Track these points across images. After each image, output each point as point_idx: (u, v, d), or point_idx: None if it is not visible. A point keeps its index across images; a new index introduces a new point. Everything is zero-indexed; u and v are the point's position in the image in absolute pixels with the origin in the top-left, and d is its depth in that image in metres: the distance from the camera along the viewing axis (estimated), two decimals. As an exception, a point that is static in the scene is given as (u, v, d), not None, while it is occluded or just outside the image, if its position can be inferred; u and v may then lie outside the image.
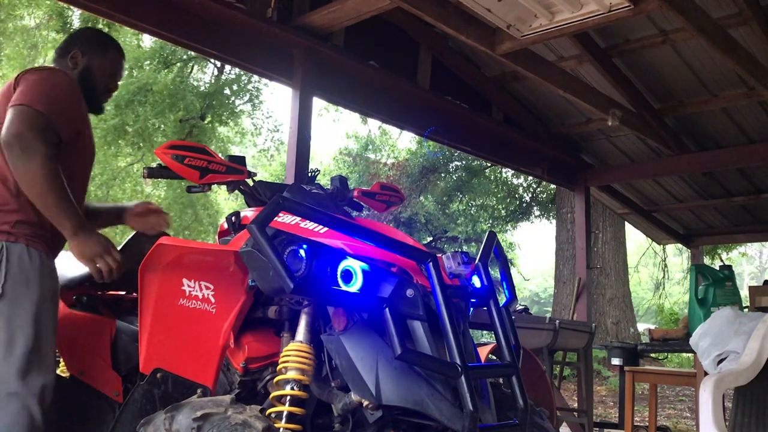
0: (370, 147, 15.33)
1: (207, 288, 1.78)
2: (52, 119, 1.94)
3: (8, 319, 1.86)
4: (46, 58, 12.00)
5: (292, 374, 1.62)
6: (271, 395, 1.66)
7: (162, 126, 11.47)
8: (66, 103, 2.03)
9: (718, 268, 5.55)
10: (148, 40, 12.34)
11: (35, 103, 1.93)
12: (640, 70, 5.14)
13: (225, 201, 15.96)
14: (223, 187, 2.05)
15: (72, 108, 2.06)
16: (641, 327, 11.48)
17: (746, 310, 4.98)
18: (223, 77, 13.13)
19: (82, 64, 2.27)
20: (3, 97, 2.03)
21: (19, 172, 1.90)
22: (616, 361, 5.39)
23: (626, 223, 9.48)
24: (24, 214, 1.96)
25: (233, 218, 1.97)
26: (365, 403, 1.56)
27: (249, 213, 1.94)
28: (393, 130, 15.26)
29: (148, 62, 11.85)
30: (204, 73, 13.51)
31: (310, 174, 2.37)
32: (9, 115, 1.92)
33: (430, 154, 12.79)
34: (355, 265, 1.61)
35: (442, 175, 13.38)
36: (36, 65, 2.24)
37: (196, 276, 1.79)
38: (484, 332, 2.38)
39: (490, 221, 14.11)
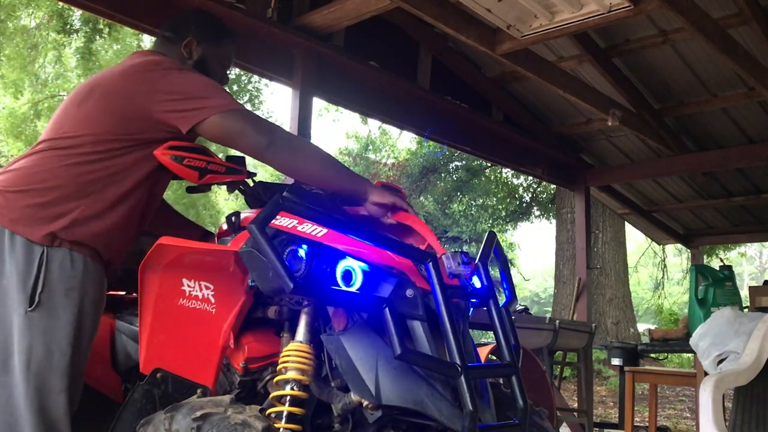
0: (370, 147, 15.32)
1: (207, 288, 1.78)
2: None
3: (44, 332, 1.74)
4: (46, 59, 12.01)
5: (292, 374, 1.62)
6: (271, 395, 1.66)
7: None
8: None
9: (717, 269, 5.56)
10: (148, 41, 12.34)
11: (236, 104, 1.85)
12: (640, 70, 5.14)
13: (225, 201, 15.96)
14: (223, 188, 2.05)
15: None
16: (641, 327, 11.49)
17: (746, 310, 4.98)
18: (223, 77, 13.13)
19: (197, 55, 2.05)
20: (121, 89, 1.86)
21: (295, 168, 1.84)
22: (616, 362, 5.40)
23: (626, 223, 9.48)
24: (69, 216, 1.81)
25: (233, 218, 1.96)
26: (365, 403, 1.56)
27: (249, 214, 1.94)
28: (393, 130, 15.25)
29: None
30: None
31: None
32: (224, 124, 1.80)
33: (430, 153, 12.79)
34: (355, 265, 1.61)
35: (442, 175, 13.38)
36: (154, 59, 1.96)
37: (196, 276, 1.78)
38: (484, 332, 2.38)
39: (490, 221, 14.11)
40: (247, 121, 1.82)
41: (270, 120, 1.86)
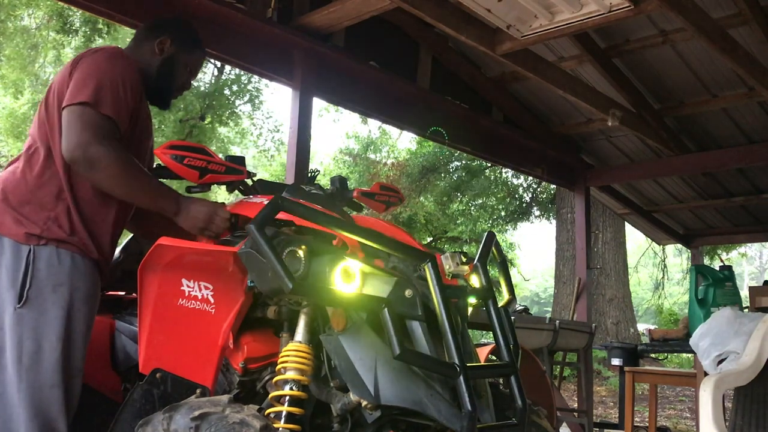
0: (370, 147, 15.31)
1: (206, 288, 1.78)
2: (116, 120, 1.87)
3: (34, 327, 1.79)
4: (46, 59, 12.01)
5: (291, 374, 1.62)
6: (270, 395, 1.66)
7: (162, 126, 11.46)
8: (125, 101, 1.91)
9: (718, 269, 5.55)
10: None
11: (98, 103, 1.84)
12: (640, 70, 5.13)
13: (225, 201, 15.92)
14: (223, 188, 2.06)
15: (129, 104, 1.94)
16: (641, 327, 11.48)
17: (746, 310, 4.98)
18: (223, 77, 13.13)
19: (168, 53, 2.12)
20: (61, 78, 1.95)
21: (96, 183, 1.88)
22: (616, 362, 5.39)
23: (626, 223, 9.47)
24: (54, 215, 1.88)
25: (232, 219, 1.97)
26: (364, 403, 1.56)
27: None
28: (393, 130, 15.26)
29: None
30: (204, 73, 13.50)
31: (309, 174, 2.38)
32: (67, 116, 1.83)
33: (435, 150, 12.74)
34: (354, 265, 1.61)
35: (442, 175, 13.35)
36: (94, 47, 2.13)
37: (196, 276, 1.79)
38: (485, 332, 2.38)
39: (490, 221, 14.09)
40: (73, 124, 1.82)
41: (107, 145, 1.82)
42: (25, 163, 1.95)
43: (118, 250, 2.26)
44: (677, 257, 17.62)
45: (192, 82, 2.26)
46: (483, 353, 2.05)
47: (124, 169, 1.84)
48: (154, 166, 1.94)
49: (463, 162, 13.16)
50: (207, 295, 1.77)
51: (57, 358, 1.79)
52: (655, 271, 14.54)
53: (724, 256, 12.90)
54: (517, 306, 5.38)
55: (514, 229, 15.55)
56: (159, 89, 2.13)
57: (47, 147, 1.93)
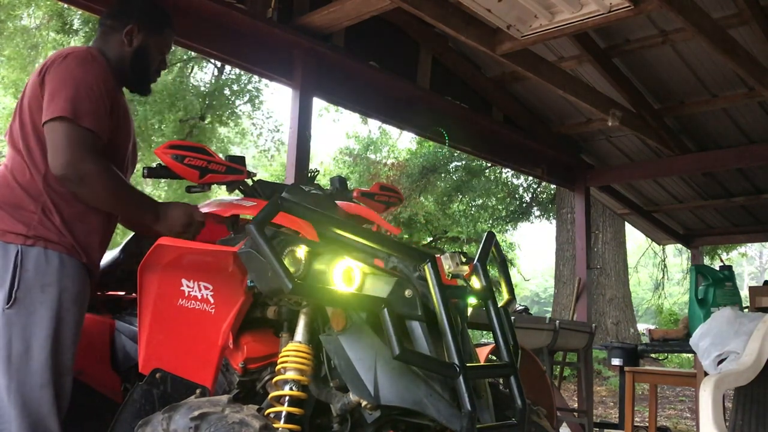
0: (371, 147, 15.30)
1: (206, 288, 1.78)
2: (97, 131, 1.85)
3: (23, 328, 1.79)
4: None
5: (290, 374, 1.62)
6: (270, 395, 1.66)
7: (161, 126, 11.45)
8: (103, 105, 1.89)
9: (718, 269, 5.55)
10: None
11: (77, 116, 1.81)
12: (640, 70, 5.13)
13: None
14: (223, 187, 2.06)
15: (107, 108, 1.91)
16: (641, 327, 11.48)
17: (746, 310, 4.98)
18: (223, 77, 13.12)
19: (137, 42, 2.05)
20: (32, 85, 1.92)
21: (83, 197, 1.88)
22: (616, 362, 5.39)
23: (626, 223, 9.48)
24: (43, 216, 1.88)
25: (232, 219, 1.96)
26: (364, 403, 1.56)
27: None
28: (393, 130, 15.25)
29: (149, 62, 11.82)
30: (204, 73, 13.51)
31: (309, 175, 2.38)
32: (50, 133, 1.81)
33: (435, 150, 12.74)
34: (354, 265, 1.61)
35: (442, 175, 13.35)
36: (63, 50, 1.99)
37: (196, 276, 1.79)
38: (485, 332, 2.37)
39: (490, 221, 14.08)
40: (58, 142, 1.81)
41: (95, 159, 1.83)
42: (10, 165, 1.95)
43: (117, 249, 2.27)
44: (677, 257, 17.61)
45: (167, 58, 2.21)
46: (483, 353, 2.04)
47: (110, 184, 1.86)
48: (155, 165, 1.93)
49: (463, 162, 13.15)
50: (207, 295, 1.77)
51: (46, 358, 1.78)
52: (655, 271, 14.54)
53: (724, 256, 12.90)
54: (517, 306, 5.38)
55: (514, 229, 15.54)
56: (136, 79, 2.10)
57: (26, 152, 1.92)
